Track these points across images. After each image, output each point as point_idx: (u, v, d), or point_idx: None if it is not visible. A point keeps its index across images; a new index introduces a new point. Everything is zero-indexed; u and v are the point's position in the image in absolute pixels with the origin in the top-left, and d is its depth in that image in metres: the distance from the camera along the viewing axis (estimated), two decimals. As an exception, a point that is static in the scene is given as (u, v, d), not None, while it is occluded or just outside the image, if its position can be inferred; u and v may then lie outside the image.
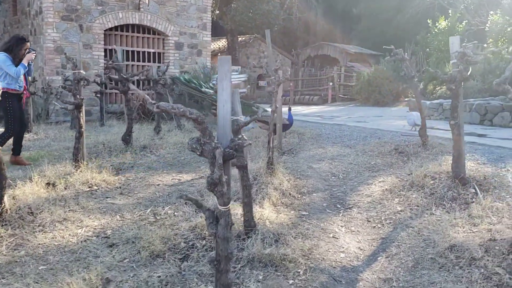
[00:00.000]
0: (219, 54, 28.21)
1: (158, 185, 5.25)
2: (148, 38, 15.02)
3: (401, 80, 19.57)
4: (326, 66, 28.26)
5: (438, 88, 19.48)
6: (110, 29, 14.12)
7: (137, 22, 14.48)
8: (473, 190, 4.80)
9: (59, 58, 13.26)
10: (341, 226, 4.30)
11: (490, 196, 4.64)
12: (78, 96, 5.20)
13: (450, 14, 25.36)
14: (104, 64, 6.51)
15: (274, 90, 5.15)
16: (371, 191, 5.05)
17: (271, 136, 5.13)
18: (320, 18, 39.56)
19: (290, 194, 4.90)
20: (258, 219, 4.11)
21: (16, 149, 6.08)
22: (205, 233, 3.88)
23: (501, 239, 3.73)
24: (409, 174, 5.24)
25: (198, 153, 2.30)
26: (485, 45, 25.02)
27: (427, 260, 3.60)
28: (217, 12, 28.38)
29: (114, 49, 7.77)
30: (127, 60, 14.38)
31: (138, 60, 14.61)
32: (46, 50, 13.12)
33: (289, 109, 8.18)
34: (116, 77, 6.53)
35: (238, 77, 11.68)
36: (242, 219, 3.83)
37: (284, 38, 40.30)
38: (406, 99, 18.56)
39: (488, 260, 3.46)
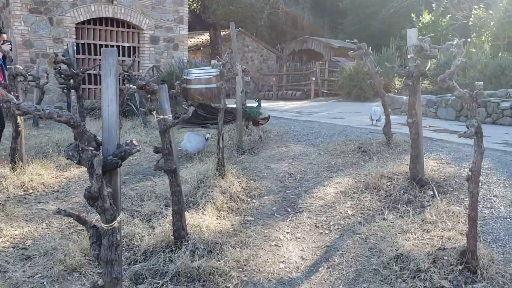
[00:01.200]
0: (201, 48, 27.81)
1: (100, 188, 4.91)
2: (122, 32, 14.59)
3: (382, 75, 19.37)
4: (312, 61, 27.93)
5: (421, 83, 19.28)
6: (82, 22, 13.66)
7: (110, 16, 14.03)
8: (431, 193, 4.54)
9: (28, 53, 12.84)
10: (286, 232, 4.01)
11: (448, 199, 4.38)
12: (13, 92, 4.86)
13: (434, 8, 25.18)
14: (53, 58, 6.18)
15: (222, 86, 4.83)
16: (325, 193, 4.77)
17: (220, 136, 4.82)
18: (308, 12, 39.27)
19: (238, 198, 4.61)
20: (196, 226, 3.82)
21: None
22: (133, 243, 3.59)
23: (451, 248, 3.47)
24: (366, 175, 4.97)
25: (75, 161, 1.99)
26: (468, 39, 24.92)
27: (370, 271, 3.32)
28: (196, 5, 27.95)
29: (68, 43, 7.43)
30: (101, 54, 13.97)
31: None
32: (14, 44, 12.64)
33: (258, 100, 7.86)
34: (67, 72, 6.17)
35: (209, 71, 11.31)
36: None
37: (272, 32, 39.98)
38: (388, 94, 18.33)
39: (434, 272, 3.20)
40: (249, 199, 4.67)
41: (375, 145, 6.21)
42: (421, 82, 16.91)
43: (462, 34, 25.91)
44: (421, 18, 25.05)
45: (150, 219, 4.03)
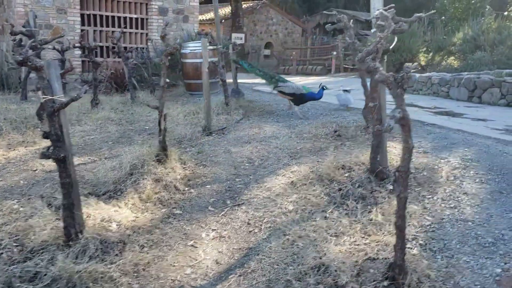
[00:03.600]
0: (223, 20, 27.15)
1: (35, 170, 4.58)
2: (130, 2, 14.17)
3: (405, 51, 18.33)
4: (340, 34, 26.82)
5: (446, 58, 18.14)
6: (87, -8, 13.33)
7: (115, -15, 13.63)
8: (391, 187, 3.97)
9: (30, 24, 12.61)
10: (212, 230, 3.56)
11: (409, 195, 3.81)
12: None
13: (469, -22, 23.57)
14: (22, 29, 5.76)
15: (162, 62, 4.34)
16: (275, 183, 4.27)
17: (161, 116, 4.36)
18: (342, -17, 37.86)
19: (175, 187, 4.17)
20: (106, 221, 3.42)
21: None
22: (28, 238, 3.21)
23: (383, 258, 2.95)
24: (323, 164, 4.42)
25: None
26: (505, 13, 23.28)
27: (282, 283, 2.85)
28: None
29: (29, 13, 7.02)
30: (107, 26, 13.64)
31: (119, 27, 13.77)
32: (17, 15, 12.46)
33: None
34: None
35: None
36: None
37: (303, 4, 38.99)
38: (412, 71, 17.29)
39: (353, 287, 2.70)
40: (187, 189, 4.22)
41: (353, 128, 5.63)
42: (446, 58, 15.67)
43: (500, 7, 24.24)
44: (454, -11, 23.53)
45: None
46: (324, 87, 6.85)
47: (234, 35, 25.96)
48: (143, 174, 4.15)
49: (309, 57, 26.48)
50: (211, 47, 10.41)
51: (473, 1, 22.68)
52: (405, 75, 2.43)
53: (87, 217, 3.45)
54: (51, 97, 2.92)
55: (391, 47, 4.05)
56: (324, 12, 28.84)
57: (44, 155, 2.95)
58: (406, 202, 2.63)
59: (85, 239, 3.04)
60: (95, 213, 3.50)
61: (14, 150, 5.24)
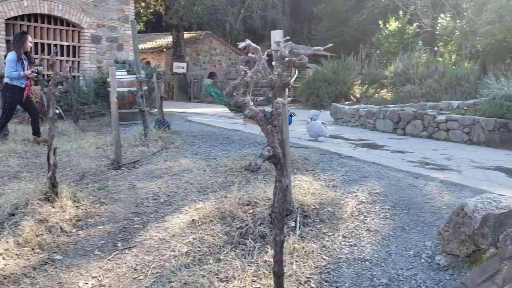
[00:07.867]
0: (165, 49, 26.97)
1: None
2: (61, 30, 13.70)
3: (340, 83, 18.76)
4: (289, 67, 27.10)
5: (379, 90, 18.69)
6: (15, 18, 12.75)
7: (46, 12, 13.15)
8: (293, 224, 3.80)
9: None
10: (93, 277, 3.22)
11: (307, 233, 3.65)
12: None
13: (401, 16, 24.67)
14: None
15: (51, 91, 4.03)
16: (175, 222, 3.99)
17: (51, 150, 4.01)
18: (286, 17, 38.98)
19: (61, 229, 3.80)
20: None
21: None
22: None
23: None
24: (229, 200, 4.21)
25: None
26: (435, 48, 24.49)
27: (153, 339, 2.55)
28: (159, 6, 27.32)
29: None
30: (36, 53, 13.05)
31: (49, 54, 13.22)
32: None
33: None
34: None
35: (126, 76, 10.48)
36: None
37: (249, 36, 39.65)
38: (347, 103, 17.69)
39: None
40: (74, 230, 3.86)
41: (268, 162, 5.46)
42: (379, 90, 16.09)
43: (431, 43, 25.53)
44: (387, 25, 24.55)
45: None
46: (292, 114, 6.71)
47: (175, 64, 25.79)
48: (26, 215, 3.76)
49: (254, 88, 26.58)
50: (130, 77, 10.10)
51: (405, 37, 23.70)
52: (275, 111, 2.27)
53: None
54: None
55: (291, 80, 3.93)
56: (267, 43, 29.24)
57: None
58: (283, 245, 2.44)
59: None
60: (-43, 261, 3.09)
61: None
